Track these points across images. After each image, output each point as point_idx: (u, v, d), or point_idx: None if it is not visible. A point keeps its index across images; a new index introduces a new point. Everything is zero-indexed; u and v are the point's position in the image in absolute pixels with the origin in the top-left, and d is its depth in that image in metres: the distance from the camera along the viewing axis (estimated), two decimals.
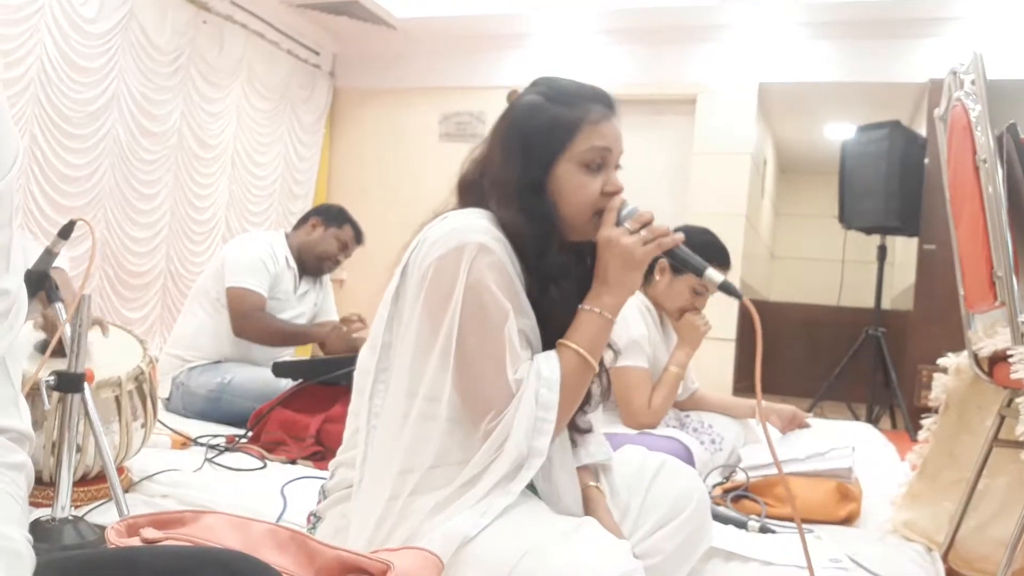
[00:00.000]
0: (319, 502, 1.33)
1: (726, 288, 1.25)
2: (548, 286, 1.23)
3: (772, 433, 2.63)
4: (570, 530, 1.10)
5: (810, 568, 1.26)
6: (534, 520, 1.12)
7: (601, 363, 1.32)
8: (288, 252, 3.22)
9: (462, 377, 1.16)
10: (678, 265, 1.28)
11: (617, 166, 1.28)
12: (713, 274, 1.25)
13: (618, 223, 1.23)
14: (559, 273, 1.23)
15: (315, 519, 1.31)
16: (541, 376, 1.15)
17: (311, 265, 3.27)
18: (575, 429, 1.34)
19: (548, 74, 1.35)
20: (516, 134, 1.26)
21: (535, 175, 1.23)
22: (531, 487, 1.24)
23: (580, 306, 1.24)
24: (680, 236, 1.24)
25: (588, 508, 1.30)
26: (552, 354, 1.20)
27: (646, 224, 1.22)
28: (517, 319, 1.17)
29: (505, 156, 1.26)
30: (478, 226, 1.19)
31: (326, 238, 3.23)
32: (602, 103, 1.27)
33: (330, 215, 3.30)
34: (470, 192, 1.30)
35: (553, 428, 1.15)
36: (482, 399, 1.16)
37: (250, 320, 3.03)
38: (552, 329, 1.24)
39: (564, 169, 1.24)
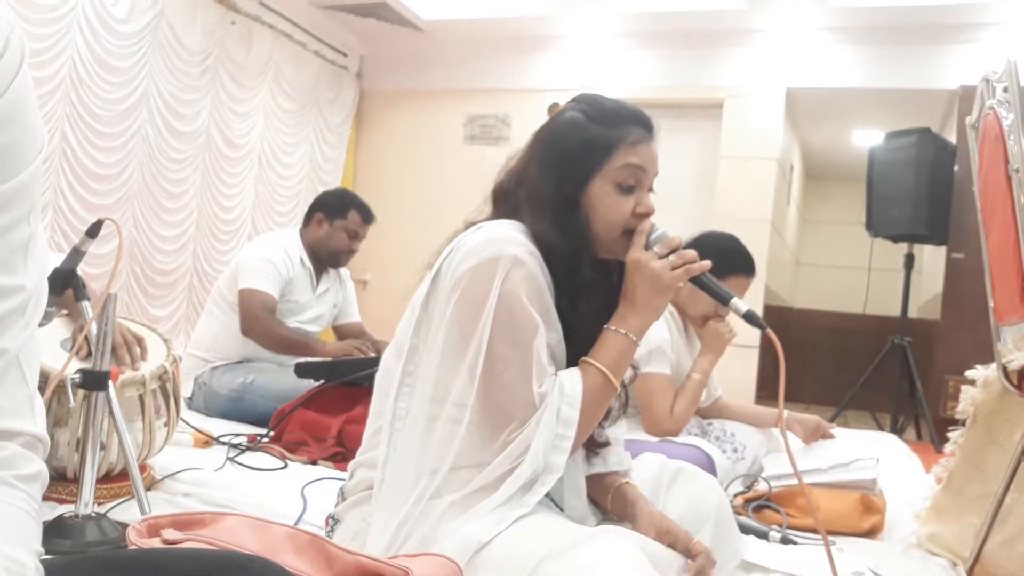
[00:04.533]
0: (337, 504, 1.33)
1: (750, 318, 1.25)
2: (578, 302, 1.23)
3: (795, 443, 2.61)
4: (589, 537, 1.09)
5: None
6: (552, 527, 1.12)
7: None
8: (303, 251, 3.18)
9: (487, 386, 1.16)
10: (704, 292, 1.28)
11: (650, 188, 1.29)
12: (738, 304, 1.25)
13: (647, 246, 1.24)
14: (589, 289, 1.24)
15: (333, 521, 1.31)
16: (564, 393, 1.16)
17: (327, 261, 3.23)
18: (592, 443, 1.34)
19: (586, 85, 1.35)
20: (554, 150, 1.28)
21: (570, 191, 1.25)
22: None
23: (606, 326, 1.24)
24: (707, 263, 1.25)
25: (627, 505, 1.29)
26: (576, 371, 1.20)
27: (674, 249, 1.23)
28: (545, 333, 1.17)
29: (542, 170, 1.27)
30: (513, 238, 1.20)
31: (334, 233, 3.17)
32: (642, 125, 1.28)
33: (331, 207, 3.20)
34: (504, 201, 1.31)
35: (571, 445, 1.15)
36: (505, 409, 1.16)
37: (258, 322, 3.00)
38: (576, 343, 1.24)
39: (598, 187, 1.25)
